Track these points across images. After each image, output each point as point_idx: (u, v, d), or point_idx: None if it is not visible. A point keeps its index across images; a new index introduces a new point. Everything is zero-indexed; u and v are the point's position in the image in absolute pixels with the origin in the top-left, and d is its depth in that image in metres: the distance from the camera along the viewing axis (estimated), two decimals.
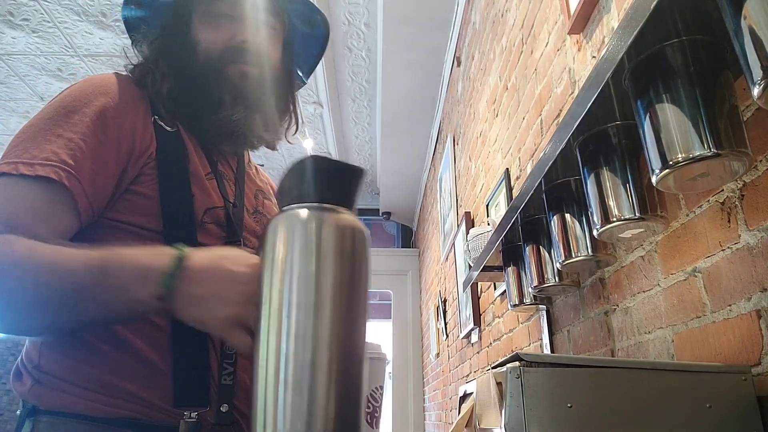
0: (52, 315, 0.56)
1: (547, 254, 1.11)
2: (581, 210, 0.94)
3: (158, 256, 0.55)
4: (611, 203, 0.78)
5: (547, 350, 1.35)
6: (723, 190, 0.72)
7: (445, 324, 3.37)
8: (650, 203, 0.79)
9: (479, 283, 2.26)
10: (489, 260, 1.37)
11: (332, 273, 0.49)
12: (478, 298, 2.30)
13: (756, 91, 0.48)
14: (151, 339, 0.65)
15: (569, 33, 1.22)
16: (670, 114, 0.62)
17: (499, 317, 1.93)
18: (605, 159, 0.80)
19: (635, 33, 0.61)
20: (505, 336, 1.84)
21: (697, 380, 0.63)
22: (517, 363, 0.64)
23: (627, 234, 0.82)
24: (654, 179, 0.65)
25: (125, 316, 0.59)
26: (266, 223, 0.53)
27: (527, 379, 0.62)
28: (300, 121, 0.89)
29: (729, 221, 0.71)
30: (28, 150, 0.62)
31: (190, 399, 0.65)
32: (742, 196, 0.68)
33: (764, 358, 0.64)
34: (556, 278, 1.11)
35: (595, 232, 0.82)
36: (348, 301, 0.50)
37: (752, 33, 0.48)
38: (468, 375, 2.54)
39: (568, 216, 0.96)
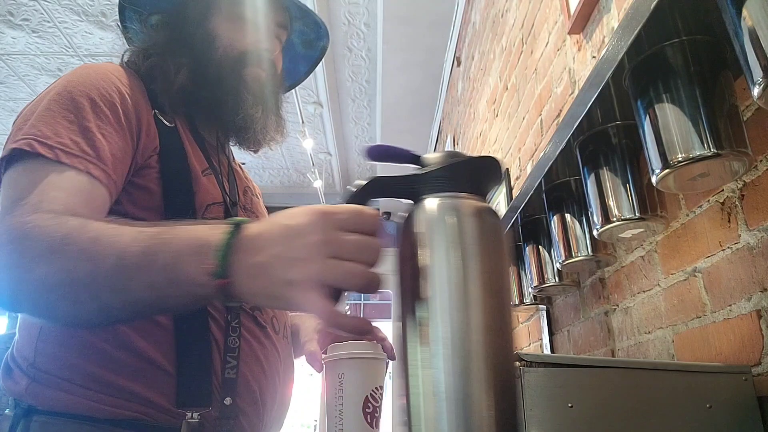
0: (99, 296, 0.50)
1: (547, 254, 1.11)
2: (581, 210, 0.94)
3: (212, 228, 0.47)
4: (611, 203, 0.78)
5: (547, 350, 1.35)
6: (723, 190, 0.72)
7: None
8: (650, 203, 0.79)
9: None
10: None
11: (500, 271, 0.49)
12: None
13: (756, 91, 0.48)
14: (154, 337, 0.65)
15: (569, 33, 1.22)
16: (670, 114, 0.62)
17: None
18: (605, 159, 0.80)
19: (635, 33, 0.61)
20: None
21: (697, 380, 0.63)
22: (517, 363, 0.64)
23: (627, 234, 0.82)
24: (654, 179, 0.65)
25: (177, 300, 0.50)
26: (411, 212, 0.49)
27: (527, 379, 0.62)
28: (284, 127, 0.91)
29: (729, 221, 0.71)
30: (60, 135, 0.61)
31: (193, 399, 0.64)
32: (742, 196, 0.68)
33: (764, 359, 0.64)
34: (556, 278, 1.11)
35: (595, 232, 0.82)
36: (507, 300, 0.50)
37: (752, 33, 0.48)
38: None
39: (568, 216, 0.96)
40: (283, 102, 0.90)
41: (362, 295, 6.53)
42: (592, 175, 0.81)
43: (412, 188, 0.53)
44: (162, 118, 0.72)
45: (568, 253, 0.95)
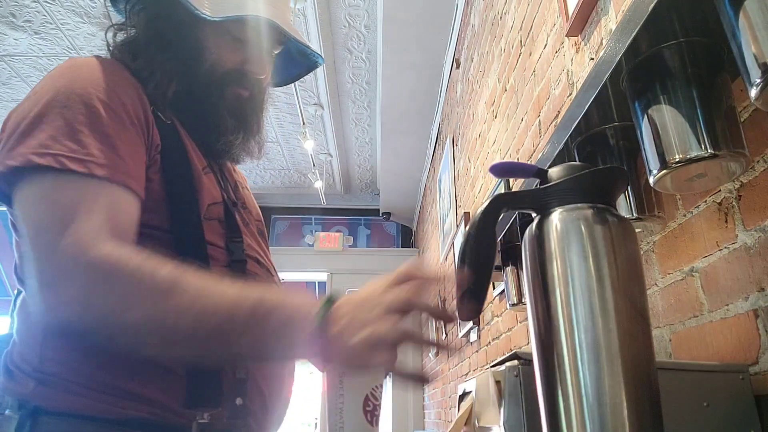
0: (198, 347, 0.56)
1: None
2: None
3: (308, 300, 0.57)
4: None
5: None
6: (720, 190, 0.72)
7: (445, 323, 3.37)
8: (648, 203, 0.79)
9: None
10: None
11: (636, 278, 0.51)
12: None
13: (753, 92, 0.49)
14: None
15: (567, 35, 1.22)
16: (667, 115, 0.62)
17: (498, 316, 1.94)
18: (603, 160, 0.80)
19: (633, 35, 0.62)
20: (503, 335, 1.84)
21: (694, 379, 0.64)
22: (515, 362, 0.64)
23: None
24: (651, 180, 0.65)
25: (273, 357, 0.60)
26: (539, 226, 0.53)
27: (526, 378, 0.62)
28: (263, 146, 0.88)
29: (726, 221, 0.71)
30: (84, 144, 0.59)
31: (203, 399, 0.63)
32: (740, 196, 0.69)
33: (762, 357, 0.64)
34: None
35: None
36: (645, 305, 0.51)
37: (750, 35, 0.48)
38: (467, 374, 2.54)
39: None
40: (265, 116, 0.87)
41: None
42: None
43: (539, 201, 0.54)
44: (160, 115, 0.70)
45: None
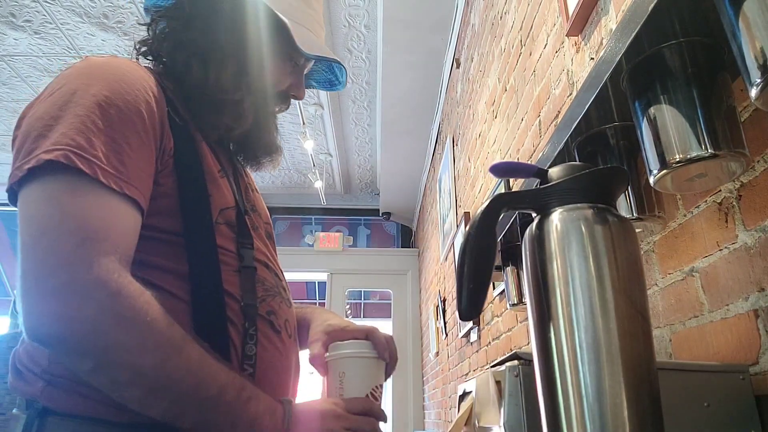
0: (185, 409, 0.59)
1: None
2: None
3: (274, 401, 0.65)
4: None
5: None
6: (720, 190, 0.72)
7: (445, 323, 3.38)
8: (648, 203, 0.79)
9: None
10: None
11: (637, 277, 0.51)
12: None
13: (754, 92, 0.48)
14: None
15: (567, 35, 1.22)
16: (667, 115, 0.62)
17: (498, 316, 1.94)
18: (603, 160, 0.80)
19: (633, 35, 0.62)
20: (504, 335, 1.84)
21: (695, 379, 0.64)
22: (515, 362, 0.64)
23: None
24: (651, 180, 0.65)
25: None
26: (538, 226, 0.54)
27: (526, 378, 0.62)
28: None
29: (726, 221, 0.71)
30: (105, 155, 0.59)
31: None
32: (740, 196, 0.69)
33: (762, 357, 0.64)
34: None
35: None
36: (645, 305, 0.51)
37: (750, 34, 0.48)
38: (467, 374, 2.54)
39: None
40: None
41: (362, 294, 6.52)
42: None
43: (539, 201, 0.54)
44: (174, 116, 0.69)
45: None
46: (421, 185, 4.76)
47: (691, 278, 0.79)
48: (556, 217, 0.52)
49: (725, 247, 0.71)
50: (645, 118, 0.65)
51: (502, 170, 0.60)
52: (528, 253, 0.54)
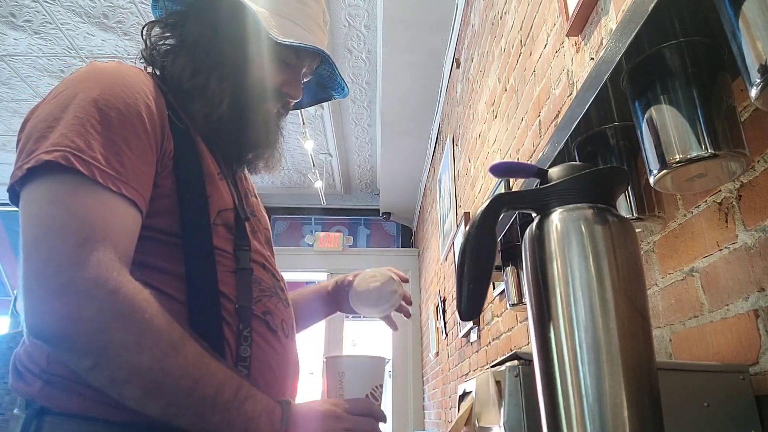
0: (182, 409, 0.59)
1: None
2: None
3: (272, 401, 0.65)
4: None
5: None
6: (720, 190, 0.72)
7: (445, 323, 3.38)
8: (648, 203, 0.79)
9: None
10: None
11: (637, 277, 0.51)
12: None
13: (754, 92, 0.49)
14: None
15: (567, 35, 1.22)
16: (667, 115, 0.62)
17: (498, 316, 1.94)
18: (603, 160, 0.80)
19: (633, 35, 0.62)
20: (504, 335, 1.84)
21: (695, 379, 0.64)
22: (515, 362, 0.64)
23: None
24: (651, 180, 0.65)
25: None
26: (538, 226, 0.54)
27: (526, 378, 0.62)
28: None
29: (726, 221, 0.71)
30: (106, 158, 0.60)
31: None
32: (740, 196, 0.69)
33: (762, 358, 0.64)
34: None
35: None
36: (645, 304, 0.51)
37: (750, 34, 0.48)
38: (467, 374, 2.54)
39: None
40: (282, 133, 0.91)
41: None
42: None
43: (539, 201, 0.54)
44: (175, 120, 0.70)
45: None
46: (421, 185, 4.76)
47: (691, 278, 0.79)
48: (556, 217, 0.52)
49: (725, 247, 0.71)
50: (645, 118, 0.65)
51: (502, 170, 0.61)
52: (528, 253, 0.54)
